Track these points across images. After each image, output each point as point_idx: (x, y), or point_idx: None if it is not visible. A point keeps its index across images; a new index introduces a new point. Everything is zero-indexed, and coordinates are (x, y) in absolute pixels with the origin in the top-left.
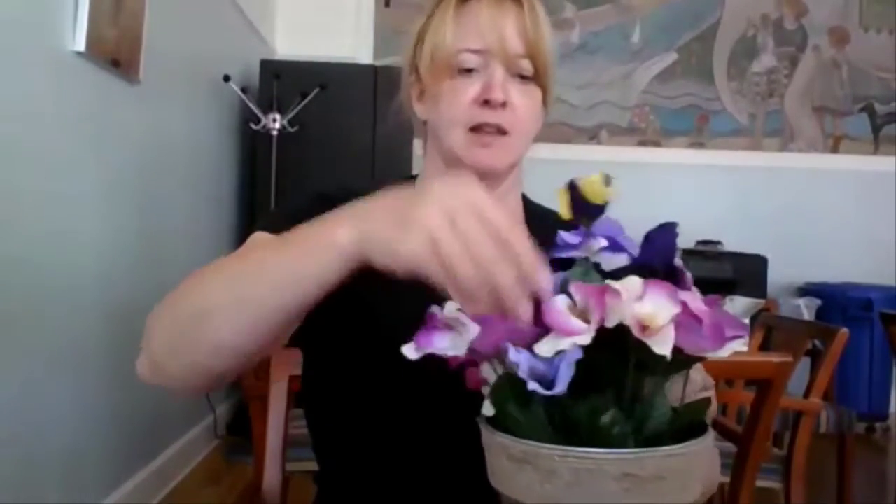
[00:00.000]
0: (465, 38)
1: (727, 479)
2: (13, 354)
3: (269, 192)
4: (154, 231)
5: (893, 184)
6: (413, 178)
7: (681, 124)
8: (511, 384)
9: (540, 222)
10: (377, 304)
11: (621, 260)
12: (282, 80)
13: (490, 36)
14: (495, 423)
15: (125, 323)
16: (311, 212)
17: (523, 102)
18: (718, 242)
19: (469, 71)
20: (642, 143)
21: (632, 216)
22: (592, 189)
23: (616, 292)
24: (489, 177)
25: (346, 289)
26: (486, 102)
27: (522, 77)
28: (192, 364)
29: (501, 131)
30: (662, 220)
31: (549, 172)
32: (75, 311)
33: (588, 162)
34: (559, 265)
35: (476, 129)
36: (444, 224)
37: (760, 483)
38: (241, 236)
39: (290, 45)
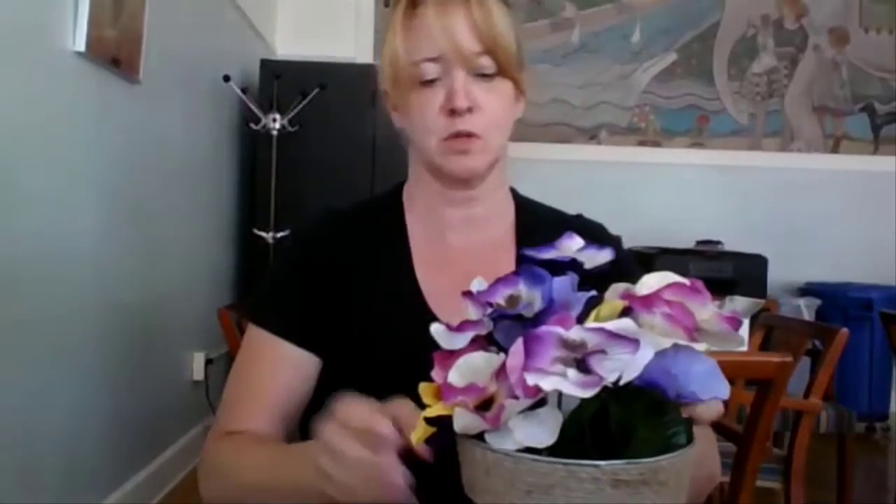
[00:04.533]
0: (419, 48)
1: (727, 479)
2: (13, 356)
3: (269, 192)
4: (154, 231)
5: (893, 184)
6: (401, 185)
7: (681, 124)
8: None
9: (534, 223)
10: (369, 326)
11: (605, 256)
12: (282, 80)
13: (442, 41)
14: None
15: (125, 323)
16: (301, 280)
17: (490, 100)
18: (718, 242)
19: (431, 81)
20: (642, 143)
21: (632, 216)
22: None
23: None
24: (472, 178)
25: (339, 312)
26: (452, 111)
27: (486, 75)
28: None
29: (474, 135)
30: (663, 220)
31: (549, 172)
32: (75, 310)
33: (588, 162)
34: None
35: (449, 137)
36: (327, 460)
37: (760, 483)
38: (240, 236)
39: (290, 45)
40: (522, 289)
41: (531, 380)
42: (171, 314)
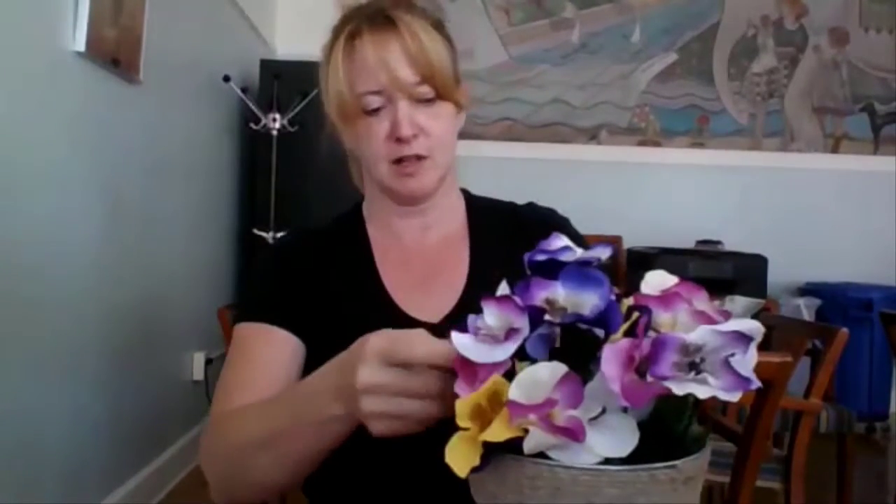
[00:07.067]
0: (361, 82)
1: (727, 480)
2: (14, 356)
3: (269, 192)
4: (154, 231)
5: (893, 184)
6: (360, 203)
7: (681, 124)
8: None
9: (484, 216)
10: (342, 322)
11: (605, 252)
12: (282, 80)
13: (381, 75)
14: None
15: (125, 323)
16: (280, 279)
17: (435, 124)
18: (718, 242)
19: (376, 109)
20: (642, 143)
21: (632, 216)
22: None
23: None
24: (423, 197)
25: (315, 311)
26: (399, 139)
27: (427, 100)
28: (247, 497)
29: (421, 157)
30: (663, 220)
31: (549, 172)
32: (75, 310)
33: (588, 162)
34: (551, 267)
35: (398, 160)
36: (374, 398)
37: (760, 483)
38: (240, 236)
39: (290, 45)
40: (561, 292)
41: (679, 389)
42: (171, 314)
